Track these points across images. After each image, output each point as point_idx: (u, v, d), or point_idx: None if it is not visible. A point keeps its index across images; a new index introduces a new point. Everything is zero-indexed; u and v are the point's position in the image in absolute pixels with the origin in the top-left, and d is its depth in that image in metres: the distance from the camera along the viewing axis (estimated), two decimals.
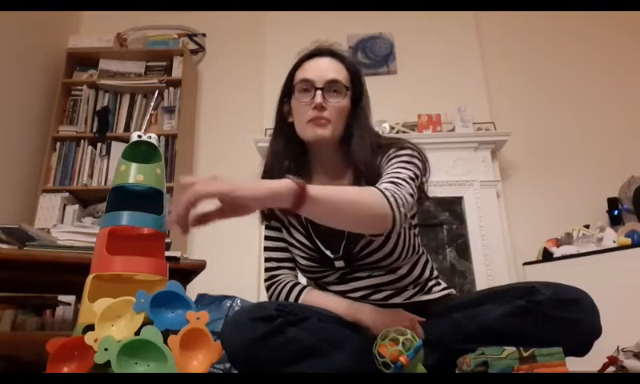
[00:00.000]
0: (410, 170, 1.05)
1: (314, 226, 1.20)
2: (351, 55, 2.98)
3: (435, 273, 1.26)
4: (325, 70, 1.12)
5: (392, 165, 1.07)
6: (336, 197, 0.88)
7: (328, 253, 1.18)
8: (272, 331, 1.00)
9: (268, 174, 1.21)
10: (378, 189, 0.95)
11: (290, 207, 0.82)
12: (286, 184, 0.82)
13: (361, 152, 1.11)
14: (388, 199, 0.92)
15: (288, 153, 1.18)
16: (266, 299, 1.25)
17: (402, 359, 0.87)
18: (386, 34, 3.26)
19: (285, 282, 1.22)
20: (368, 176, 1.09)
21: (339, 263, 1.17)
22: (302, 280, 1.29)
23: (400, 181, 1.00)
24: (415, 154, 1.10)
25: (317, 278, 1.23)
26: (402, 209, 0.93)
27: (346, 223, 0.94)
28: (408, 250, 1.16)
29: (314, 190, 0.83)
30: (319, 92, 1.10)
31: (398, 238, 1.14)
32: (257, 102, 3.15)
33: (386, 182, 1.00)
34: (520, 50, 3.32)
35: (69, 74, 3.13)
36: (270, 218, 1.27)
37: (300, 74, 1.15)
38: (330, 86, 1.11)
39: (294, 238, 1.23)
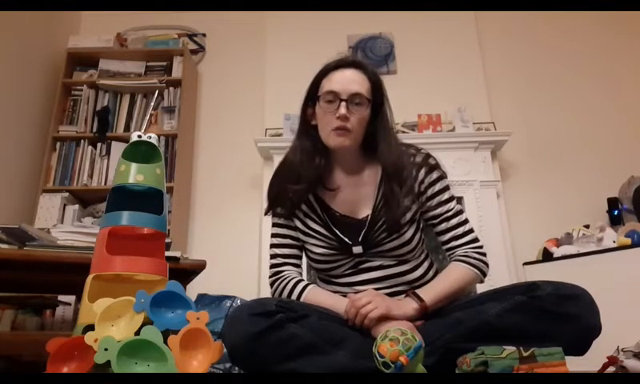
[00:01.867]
0: (455, 199, 1.26)
1: (331, 216, 1.25)
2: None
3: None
4: (349, 82, 1.19)
5: (440, 198, 1.24)
6: (447, 293, 1.15)
7: (346, 239, 1.22)
8: (272, 327, 1.01)
9: (295, 169, 1.25)
10: (464, 262, 1.19)
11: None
12: (413, 307, 1.12)
13: (388, 156, 1.21)
14: (476, 268, 1.19)
15: (318, 151, 1.24)
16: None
17: (402, 359, 0.87)
18: (386, 33, 3.26)
19: (289, 278, 1.24)
20: (396, 176, 1.20)
21: (357, 249, 1.21)
22: (306, 277, 1.30)
23: (466, 226, 1.24)
24: (444, 173, 1.25)
25: (329, 268, 1.25)
26: (485, 259, 1.21)
27: (461, 294, 1.19)
28: (420, 242, 1.24)
29: (432, 301, 1.12)
30: (343, 103, 1.17)
31: (416, 230, 1.22)
32: (257, 101, 3.15)
33: (461, 237, 1.22)
34: (520, 50, 3.32)
35: (69, 73, 3.13)
36: (280, 215, 1.30)
37: (326, 85, 1.21)
38: (353, 99, 1.18)
39: (310, 227, 1.26)
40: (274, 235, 1.32)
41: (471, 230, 1.24)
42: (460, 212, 1.25)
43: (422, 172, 1.23)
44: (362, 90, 1.19)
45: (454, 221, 1.23)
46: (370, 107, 1.21)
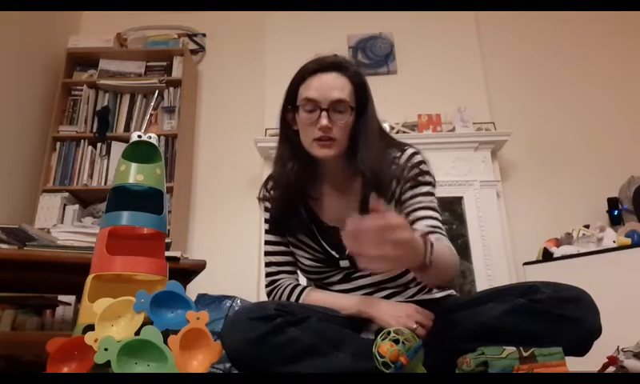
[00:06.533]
0: (434, 195, 1.17)
1: (319, 228, 1.22)
2: (352, 58, 2.98)
3: None
4: (329, 88, 1.11)
5: (418, 190, 1.15)
6: (443, 255, 0.98)
7: (334, 253, 1.19)
8: (271, 331, 1.00)
9: (275, 180, 1.23)
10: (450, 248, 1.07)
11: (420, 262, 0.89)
12: (421, 245, 0.88)
13: (367, 161, 1.13)
14: (456, 256, 1.06)
15: (296, 156, 1.18)
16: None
17: (402, 359, 0.87)
18: (386, 33, 3.26)
19: (285, 285, 1.23)
20: (376, 183, 1.13)
21: (344, 263, 1.19)
22: (303, 282, 1.29)
23: (440, 223, 1.13)
24: (428, 170, 1.17)
25: (320, 278, 1.24)
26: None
27: (447, 272, 1.04)
28: None
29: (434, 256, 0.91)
30: (324, 113, 1.10)
31: None
32: (257, 102, 3.15)
33: (437, 228, 1.11)
34: (520, 50, 3.32)
35: (69, 73, 3.13)
36: (273, 224, 1.27)
37: (304, 92, 1.13)
38: (335, 106, 1.11)
39: (298, 239, 1.24)
40: (267, 243, 1.28)
41: (441, 224, 1.15)
42: (436, 207, 1.16)
43: (404, 176, 1.16)
44: (343, 95, 1.11)
45: (432, 213, 1.14)
46: (353, 113, 1.13)
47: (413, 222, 1.12)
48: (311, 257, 1.22)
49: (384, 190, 1.14)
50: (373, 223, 0.76)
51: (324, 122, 1.09)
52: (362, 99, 1.16)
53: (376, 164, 1.13)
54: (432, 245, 0.90)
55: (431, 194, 1.17)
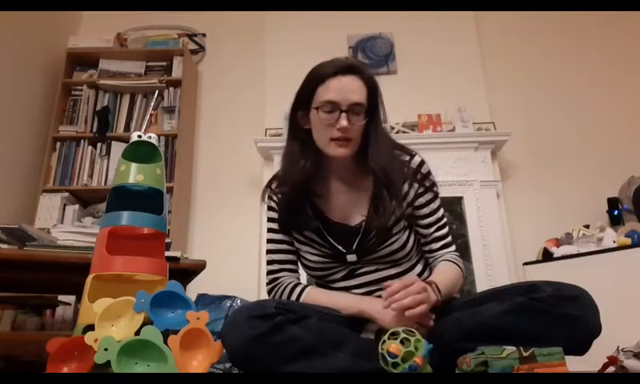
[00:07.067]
0: (441, 206, 1.28)
1: (325, 224, 1.23)
2: (353, 58, 2.99)
3: None
4: (349, 91, 1.15)
5: (432, 207, 1.25)
6: (450, 285, 1.16)
7: (340, 248, 1.21)
8: (271, 329, 1.00)
9: (282, 177, 1.25)
10: (454, 262, 1.24)
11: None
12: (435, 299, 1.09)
13: (378, 161, 1.18)
14: (462, 269, 1.25)
15: (305, 155, 1.21)
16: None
17: (418, 360, 0.88)
18: (386, 33, 3.26)
19: (286, 284, 1.24)
20: (387, 181, 1.18)
21: (351, 257, 1.20)
22: (304, 280, 1.29)
23: (450, 236, 1.29)
24: (434, 181, 1.26)
25: (324, 275, 1.24)
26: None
27: (454, 292, 1.22)
28: (415, 245, 1.24)
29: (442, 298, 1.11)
30: (344, 114, 1.14)
31: (410, 233, 1.21)
32: (257, 102, 3.15)
33: (449, 245, 1.28)
34: (520, 50, 3.32)
35: (69, 74, 3.13)
36: (275, 220, 1.28)
37: (324, 93, 1.16)
38: (354, 108, 1.15)
39: (305, 235, 1.25)
40: (269, 240, 1.29)
41: (450, 237, 1.30)
42: (445, 221, 1.29)
43: (416, 182, 1.23)
44: (361, 98, 1.16)
45: (444, 231, 1.27)
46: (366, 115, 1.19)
47: (430, 241, 1.26)
48: (318, 252, 1.23)
49: (395, 189, 1.19)
50: (394, 288, 1.03)
51: (344, 122, 1.13)
52: (373, 100, 1.20)
53: (386, 163, 1.18)
54: (438, 287, 1.09)
55: (441, 207, 1.27)
